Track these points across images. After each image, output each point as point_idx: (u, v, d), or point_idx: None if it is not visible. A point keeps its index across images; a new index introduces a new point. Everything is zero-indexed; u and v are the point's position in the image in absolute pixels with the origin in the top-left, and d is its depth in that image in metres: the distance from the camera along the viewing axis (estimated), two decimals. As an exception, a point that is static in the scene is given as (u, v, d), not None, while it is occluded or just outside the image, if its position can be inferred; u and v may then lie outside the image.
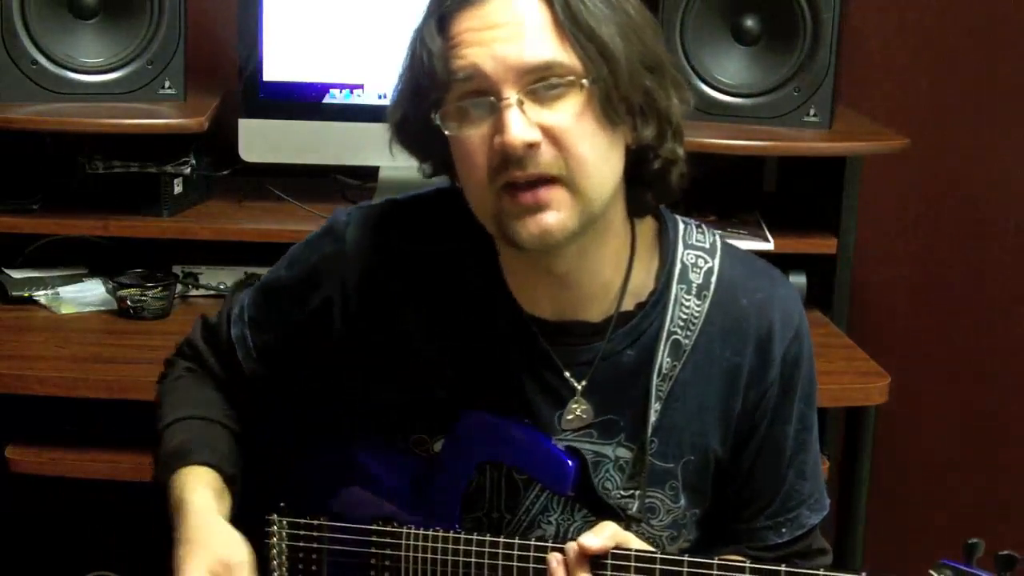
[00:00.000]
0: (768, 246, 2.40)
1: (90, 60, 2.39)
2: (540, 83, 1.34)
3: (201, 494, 1.52)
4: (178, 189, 2.44)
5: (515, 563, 1.46)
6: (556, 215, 1.37)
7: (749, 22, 2.43)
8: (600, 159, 1.38)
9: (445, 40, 1.37)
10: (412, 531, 1.52)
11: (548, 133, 1.35)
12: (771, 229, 2.47)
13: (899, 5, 2.79)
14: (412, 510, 1.55)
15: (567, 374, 1.50)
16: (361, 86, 2.46)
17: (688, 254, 1.52)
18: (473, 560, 1.48)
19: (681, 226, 1.54)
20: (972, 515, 2.90)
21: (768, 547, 1.55)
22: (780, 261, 1.61)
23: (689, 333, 1.49)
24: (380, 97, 2.45)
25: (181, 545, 1.48)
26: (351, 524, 1.56)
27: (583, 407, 1.50)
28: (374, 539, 1.54)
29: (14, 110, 2.33)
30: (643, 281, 1.51)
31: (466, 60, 1.35)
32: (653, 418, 1.49)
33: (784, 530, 1.56)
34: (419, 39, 1.40)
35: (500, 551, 1.47)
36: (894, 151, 2.45)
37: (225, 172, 2.54)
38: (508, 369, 1.51)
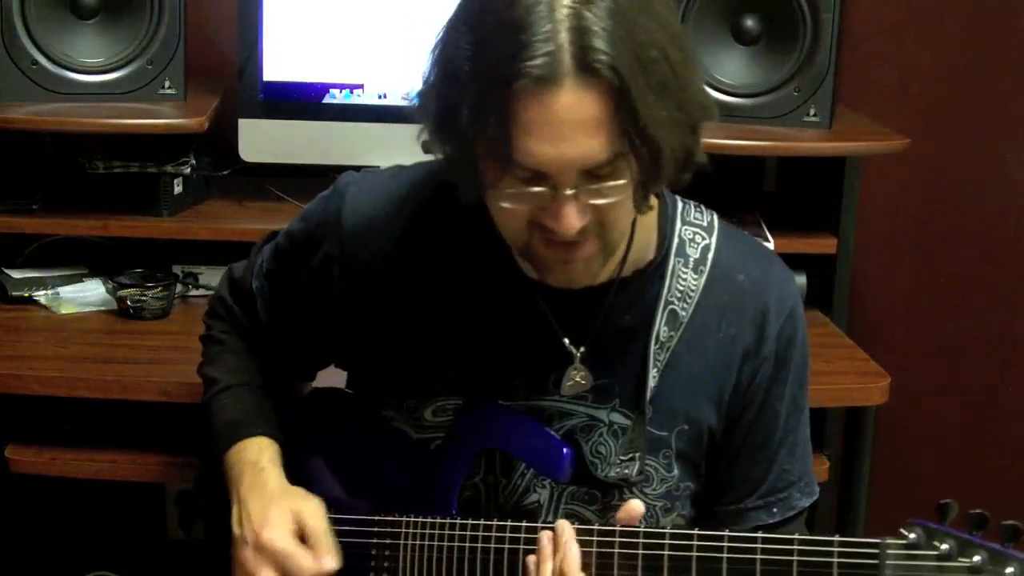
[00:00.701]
0: (768, 246, 2.39)
1: (90, 60, 2.39)
2: (595, 175, 1.33)
3: (277, 465, 1.61)
4: (178, 189, 2.44)
5: (507, 545, 1.48)
6: (585, 265, 1.42)
7: (749, 22, 2.43)
8: (632, 217, 1.43)
9: (509, 115, 1.30)
10: (410, 519, 1.54)
11: (594, 210, 1.36)
12: (771, 229, 2.47)
13: (899, 5, 2.79)
14: (411, 500, 1.56)
15: (566, 341, 1.52)
16: (361, 86, 2.46)
17: (686, 230, 1.54)
18: (467, 545, 1.50)
19: (680, 204, 1.57)
20: (972, 515, 2.90)
21: (759, 528, 1.56)
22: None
23: (686, 305, 1.52)
24: (380, 97, 2.45)
25: (260, 497, 1.56)
26: (354, 517, 1.57)
27: (582, 374, 1.52)
28: (375, 530, 1.56)
29: (14, 110, 2.33)
30: (643, 252, 1.53)
31: (531, 155, 1.31)
32: (651, 383, 1.51)
33: (775, 510, 1.57)
34: (472, 91, 1.32)
35: (493, 534, 1.49)
36: (894, 151, 2.46)
37: (225, 172, 2.54)
38: (506, 332, 1.53)
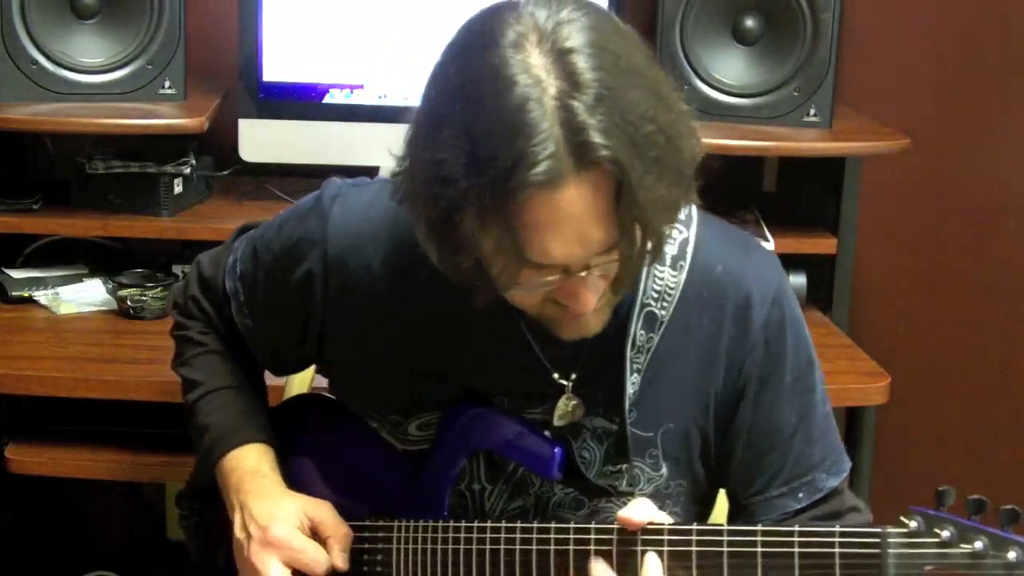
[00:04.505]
0: (768, 246, 2.40)
1: (90, 60, 2.39)
2: (605, 251, 1.31)
3: (277, 472, 1.59)
4: (178, 189, 2.44)
5: (502, 546, 1.47)
6: (597, 319, 1.41)
7: (749, 22, 2.43)
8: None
9: (517, 223, 1.27)
10: (402, 523, 1.53)
11: (605, 278, 1.36)
12: (771, 229, 2.47)
13: (899, 5, 2.79)
14: (402, 503, 1.56)
15: (555, 375, 1.50)
16: (361, 86, 2.46)
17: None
18: (462, 547, 1.49)
19: None
20: (972, 515, 2.89)
21: (790, 514, 1.53)
22: (780, 261, 1.61)
23: (665, 304, 1.49)
24: (380, 97, 2.45)
25: (264, 498, 1.54)
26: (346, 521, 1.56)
27: (574, 403, 1.51)
28: (366, 534, 1.55)
29: (14, 110, 2.33)
30: None
31: (544, 254, 1.29)
32: (631, 390, 1.49)
33: (801, 495, 1.53)
34: (473, 201, 1.27)
35: (488, 535, 1.48)
36: (894, 151, 2.46)
37: (225, 172, 2.55)
38: (490, 355, 1.51)
